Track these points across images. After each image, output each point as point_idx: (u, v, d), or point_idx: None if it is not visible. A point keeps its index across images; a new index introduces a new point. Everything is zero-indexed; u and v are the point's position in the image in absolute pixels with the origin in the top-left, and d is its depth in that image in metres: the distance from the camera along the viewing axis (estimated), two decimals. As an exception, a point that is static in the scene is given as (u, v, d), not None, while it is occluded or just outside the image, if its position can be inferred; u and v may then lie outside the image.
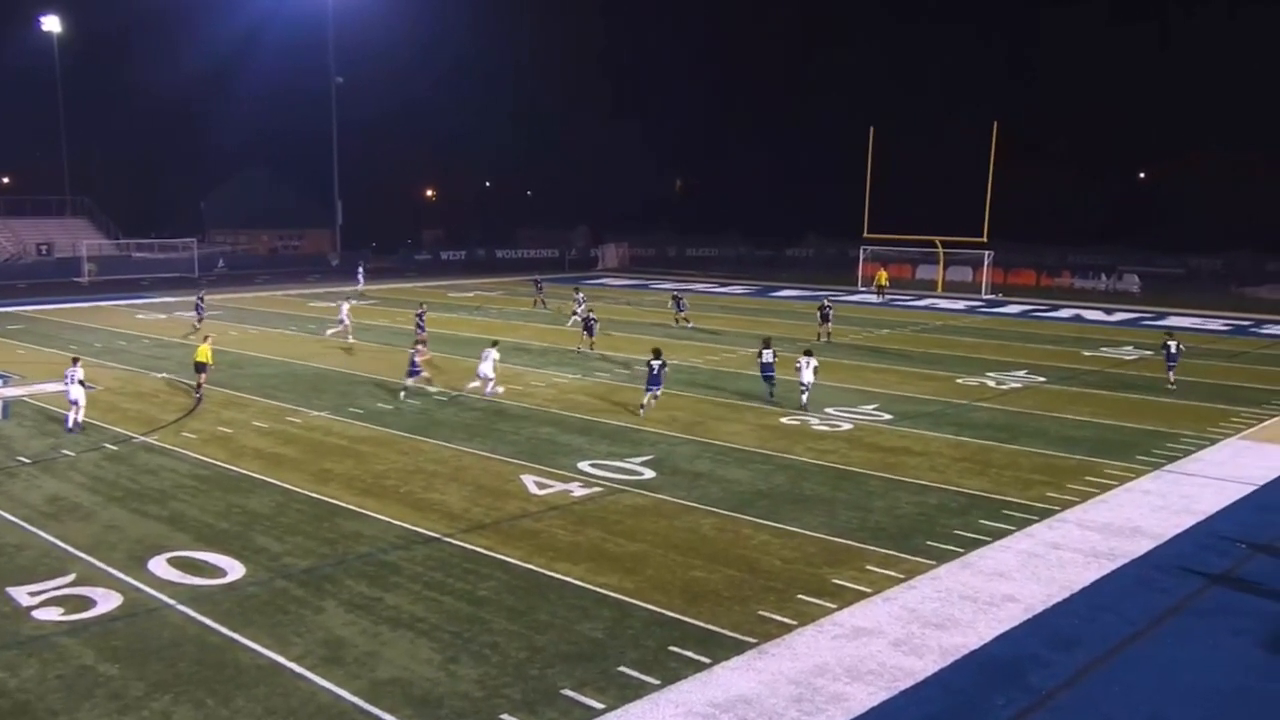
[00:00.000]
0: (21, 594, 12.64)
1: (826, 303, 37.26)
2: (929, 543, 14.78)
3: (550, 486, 17.44)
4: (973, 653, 11.37)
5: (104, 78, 77.17)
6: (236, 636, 11.52)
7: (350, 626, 11.85)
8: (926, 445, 20.78)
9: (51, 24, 70.17)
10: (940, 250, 58.80)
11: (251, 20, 71.83)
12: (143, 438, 20.78)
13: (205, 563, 13.79)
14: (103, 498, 16.67)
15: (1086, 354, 33.99)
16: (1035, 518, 16.00)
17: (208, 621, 11.91)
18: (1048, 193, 73.35)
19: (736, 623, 12.00)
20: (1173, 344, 27.54)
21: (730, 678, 10.68)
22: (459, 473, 18.32)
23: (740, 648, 11.34)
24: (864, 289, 56.53)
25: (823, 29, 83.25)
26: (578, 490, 17.25)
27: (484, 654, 11.20)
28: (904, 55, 79.02)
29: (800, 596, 12.78)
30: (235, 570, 13.52)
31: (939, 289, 57.92)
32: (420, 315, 34.05)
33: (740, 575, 13.50)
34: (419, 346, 25.92)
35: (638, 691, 10.36)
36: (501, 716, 9.89)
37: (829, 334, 35.64)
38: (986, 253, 55.62)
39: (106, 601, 12.46)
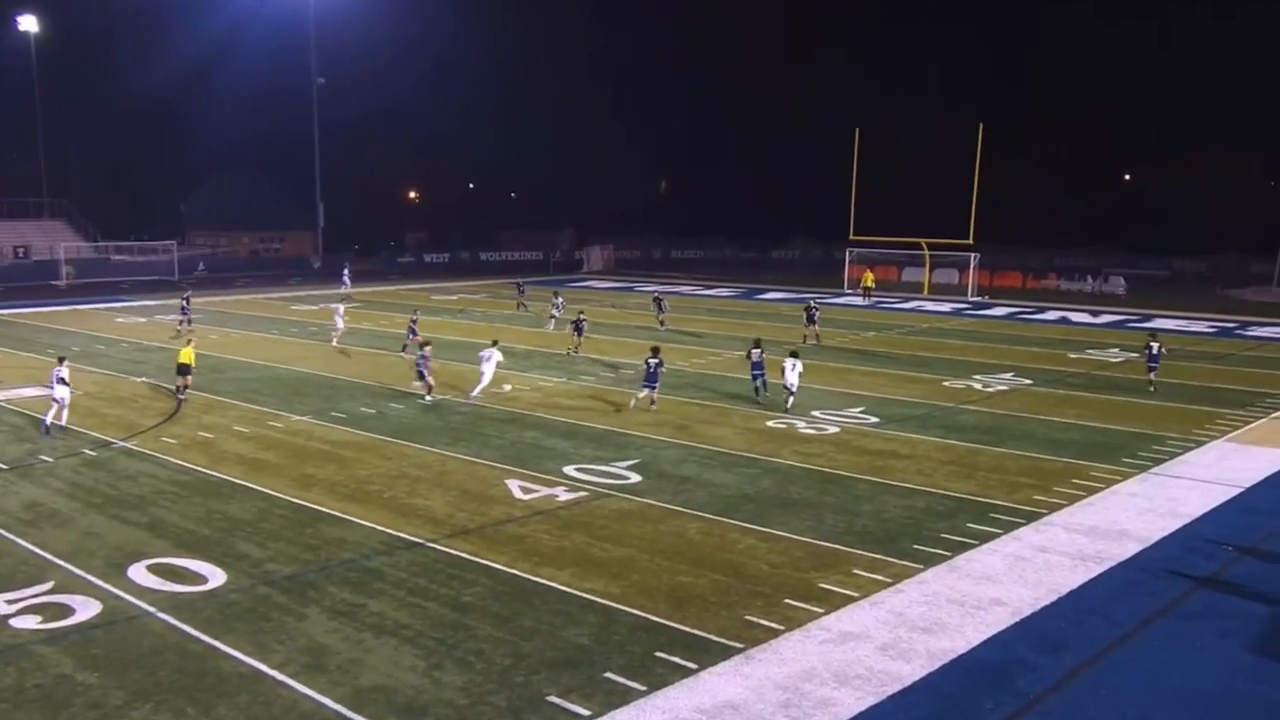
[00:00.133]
0: (-2, 602, 12.46)
1: (813, 304, 37.31)
2: (916, 546, 14.75)
3: (535, 491, 17.32)
4: (960, 657, 11.34)
5: (82, 78, 76.43)
6: (217, 644, 11.38)
7: (333, 633, 11.72)
8: (913, 448, 20.77)
9: (29, 24, 69.41)
10: (926, 252, 58.94)
11: (232, 20, 71.25)
12: (122, 443, 20.55)
13: (186, 569, 13.62)
14: (81, 504, 16.46)
15: (1073, 356, 34.10)
16: (1022, 521, 16.00)
17: (188, 629, 11.76)
18: (1034, 195, 73.82)
19: (723, 628, 11.93)
20: (1155, 345, 27.66)
21: (717, 683, 10.60)
22: (443, 478, 18.18)
23: (727, 653, 11.27)
24: (850, 291, 56.59)
25: (809, 31, 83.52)
26: (563, 495, 17.14)
27: (468, 661, 11.08)
28: (890, 58, 79.36)
29: (787, 601, 12.72)
30: (216, 577, 13.36)
31: (925, 291, 58.04)
32: (414, 321, 33.67)
33: (727, 580, 13.43)
34: (427, 349, 25.25)
35: (624, 698, 10.28)
36: (486, 725, 9.79)
37: (817, 336, 35.67)
38: (972, 255, 55.71)
39: (85, 609, 12.28)
